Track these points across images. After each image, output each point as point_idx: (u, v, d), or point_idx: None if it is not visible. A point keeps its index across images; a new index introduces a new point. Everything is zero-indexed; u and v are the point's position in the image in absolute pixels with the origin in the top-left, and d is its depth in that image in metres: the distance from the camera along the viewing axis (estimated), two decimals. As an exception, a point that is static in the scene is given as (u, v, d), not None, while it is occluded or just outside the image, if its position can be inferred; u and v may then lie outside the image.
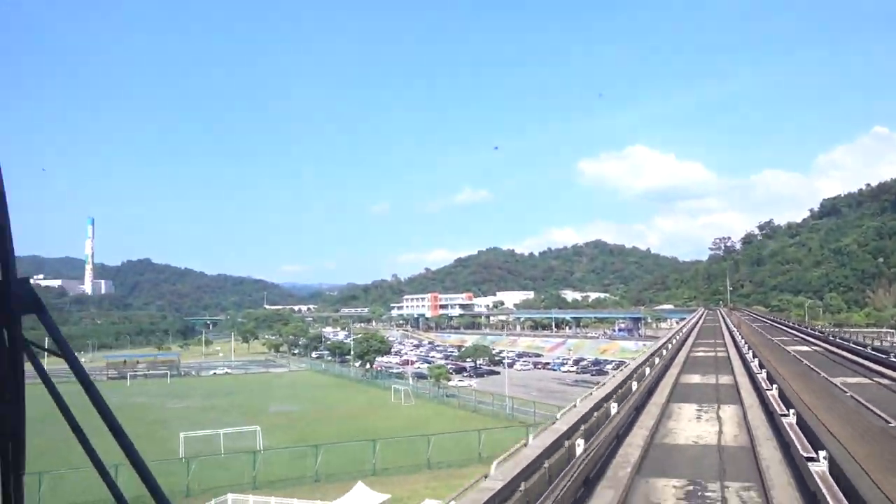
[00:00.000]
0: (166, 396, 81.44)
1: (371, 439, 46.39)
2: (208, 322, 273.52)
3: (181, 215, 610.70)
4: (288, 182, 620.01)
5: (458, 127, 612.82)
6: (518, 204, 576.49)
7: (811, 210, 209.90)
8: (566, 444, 7.07)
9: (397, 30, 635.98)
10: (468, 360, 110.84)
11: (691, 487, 7.36)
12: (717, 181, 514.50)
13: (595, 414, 8.94)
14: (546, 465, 6.15)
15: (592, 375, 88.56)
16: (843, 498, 5.61)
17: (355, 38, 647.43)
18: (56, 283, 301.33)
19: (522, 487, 5.33)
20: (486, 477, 5.93)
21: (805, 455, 6.91)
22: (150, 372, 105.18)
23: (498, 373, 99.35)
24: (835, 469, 6.30)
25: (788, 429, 8.47)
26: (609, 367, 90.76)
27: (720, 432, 10.45)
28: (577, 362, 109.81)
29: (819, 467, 6.46)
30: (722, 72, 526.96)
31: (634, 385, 12.37)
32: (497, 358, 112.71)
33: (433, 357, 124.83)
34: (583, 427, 7.77)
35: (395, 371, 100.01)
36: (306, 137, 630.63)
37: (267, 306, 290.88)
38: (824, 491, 5.75)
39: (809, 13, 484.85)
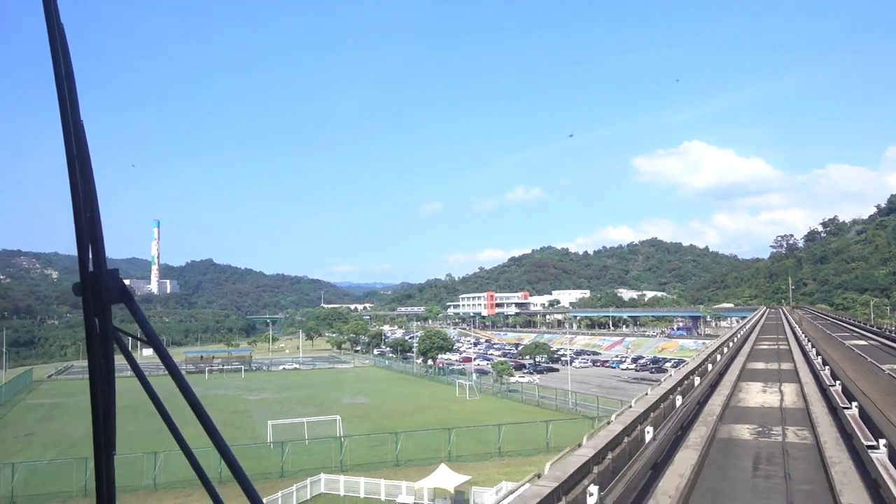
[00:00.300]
0: (244, 389, 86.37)
1: (446, 428, 49.64)
2: (268, 320, 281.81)
3: (241, 218, 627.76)
4: (342, 184, 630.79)
5: (511, 126, 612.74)
6: (571, 202, 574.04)
7: (878, 206, 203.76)
8: (670, 397, 9.99)
9: (450, 28, 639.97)
10: (527, 357, 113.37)
11: (761, 429, 10.17)
12: (779, 177, 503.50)
13: (685, 382, 11.83)
14: (661, 406, 9.10)
15: (651, 373, 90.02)
16: (866, 428, 8.30)
17: (407, 38, 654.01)
18: (125, 282, 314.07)
19: (651, 416, 8.32)
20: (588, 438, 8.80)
21: (843, 406, 9.64)
22: (225, 367, 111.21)
23: (557, 370, 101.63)
24: (862, 412, 9.01)
25: (834, 394, 11.18)
26: (668, 364, 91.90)
27: (781, 399, 13.12)
28: (635, 360, 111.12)
29: (852, 412, 9.20)
30: (783, 65, 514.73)
31: (710, 367, 15.12)
32: (555, 355, 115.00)
33: (492, 355, 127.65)
34: (679, 388, 10.69)
35: (455, 367, 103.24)
36: (358, 139, 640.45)
37: (324, 305, 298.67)
38: (853, 425, 8.45)
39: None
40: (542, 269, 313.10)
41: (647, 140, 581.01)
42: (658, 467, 7.47)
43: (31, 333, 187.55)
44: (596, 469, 5.53)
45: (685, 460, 7.19)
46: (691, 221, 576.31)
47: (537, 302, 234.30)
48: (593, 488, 5.15)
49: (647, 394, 10.05)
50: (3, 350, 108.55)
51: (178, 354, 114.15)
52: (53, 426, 61.36)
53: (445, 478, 36.31)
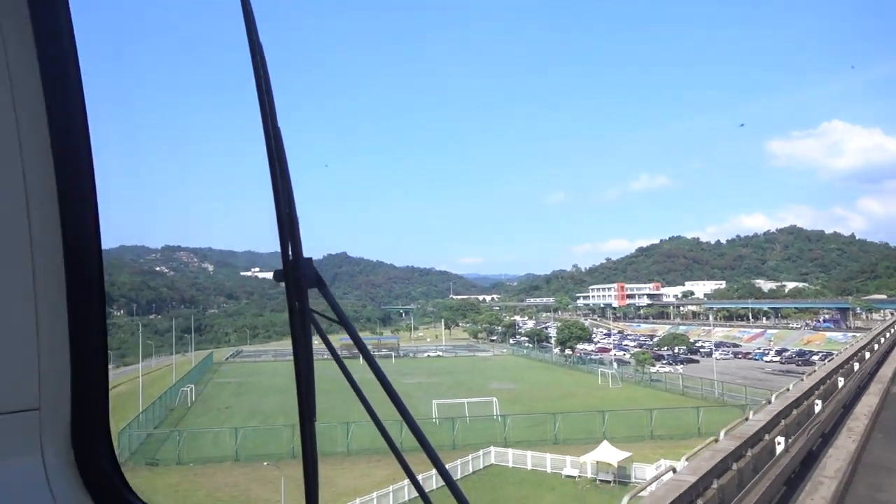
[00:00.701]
0: (397, 374, 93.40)
1: (599, 411, 53.24)
2: (401, 311, 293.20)
3: (372, 212, 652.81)
4: (466, 176, 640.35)
5: (634, 111, 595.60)
6: (700, 189, 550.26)
7: None
8: (850, 363, 13.63)
9: (574, 13, 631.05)
10: (664, 348, 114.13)
11: (924, 388, 13.65)
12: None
13: (857, 356, 15.29)
14: (846, 366, 12.86)
15: (798, 366, 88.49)
16: None
17: (534, 24, 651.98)
18: (269, 274, 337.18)
19: (840, 370, 12.15)
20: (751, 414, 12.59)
21: None
22: (375, 353, 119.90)
23: (697, 361, 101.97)
24: None
25: None
26: (815, 357, 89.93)
27: (942, 371, 16.31)
28: (780, 352, 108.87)
29: None
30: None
31: (875, 346, 18.26)
32: (694, 347, 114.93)
33: (627, 345, 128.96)
34: (855, 357, 14.28)
35: (592, 357, 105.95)
36: (481, 131, 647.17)
37: (453, 296, 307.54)
38: None
39: None
40: (672, 260, 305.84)
41: (782, 122, 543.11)
42: (847, 407, 11.19)
43: (197, 321, 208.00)
44: (817, 392, 9.42)
45: (870, 400, 10.84)
46: (834, 207, 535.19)
47: (670, 293, 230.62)
48: (818, 401, 9.09)
49: (832, 357, 13.72)
50: (191, 336, 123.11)
51: (333, 341, 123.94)
52: (245, 401, 70.54)
53: (608, 453, 40.01)
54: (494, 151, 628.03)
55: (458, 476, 41.47)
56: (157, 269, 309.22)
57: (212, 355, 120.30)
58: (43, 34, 1.67)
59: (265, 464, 40.90)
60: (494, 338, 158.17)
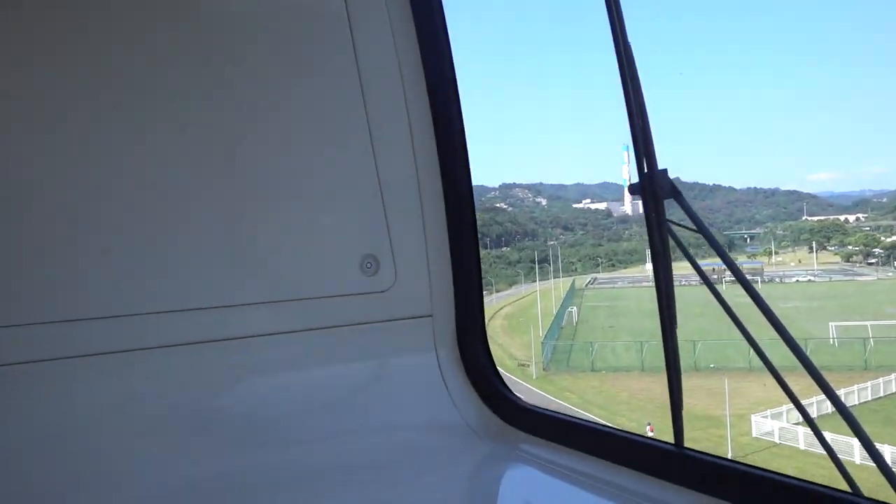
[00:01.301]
0: (769, 298, 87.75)
1: None
2: (746, 236, 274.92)
3: (709, 131, 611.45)
4: (815, 75, 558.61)
5: None
6: None
7: None
8: None
9: None
10: None
11: None
12: None
13: None
14: None
15: None
16: None
17: None
18: (602, 205, 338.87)
19: None
20: None
21: None
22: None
23: None
24: None
25: None
26: None
27: None
28: None
29: None
30: None
31: None
32: None
33: None
34: None
35: None
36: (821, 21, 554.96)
37: (807, 218, 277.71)
38: None
39: None
40: None
41: None
42: None
43: (543, 252, 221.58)
44: None
45: None
46: None
47: None
48: None
49: None
50: (557, 265, 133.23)
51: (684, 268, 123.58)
52: (621, 321, 74.58)
53: None
54: (856, 32, 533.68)
55: (881, 394, 40.03)
56: (498, 205, 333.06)
57: (574, 282, 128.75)
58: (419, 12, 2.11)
59: (711, 365, 44.30)
60: (873, 261, 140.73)
